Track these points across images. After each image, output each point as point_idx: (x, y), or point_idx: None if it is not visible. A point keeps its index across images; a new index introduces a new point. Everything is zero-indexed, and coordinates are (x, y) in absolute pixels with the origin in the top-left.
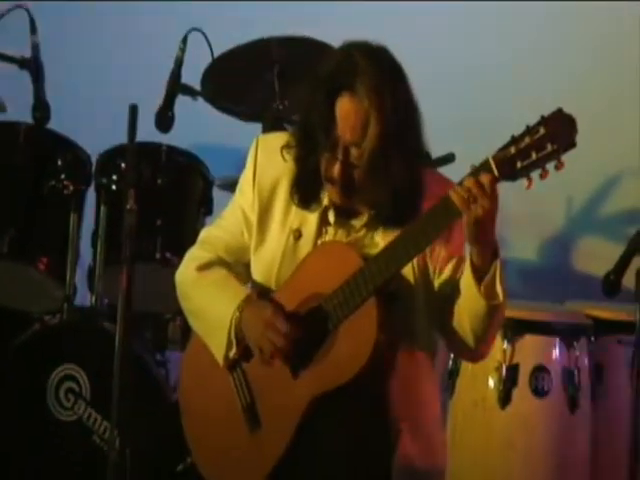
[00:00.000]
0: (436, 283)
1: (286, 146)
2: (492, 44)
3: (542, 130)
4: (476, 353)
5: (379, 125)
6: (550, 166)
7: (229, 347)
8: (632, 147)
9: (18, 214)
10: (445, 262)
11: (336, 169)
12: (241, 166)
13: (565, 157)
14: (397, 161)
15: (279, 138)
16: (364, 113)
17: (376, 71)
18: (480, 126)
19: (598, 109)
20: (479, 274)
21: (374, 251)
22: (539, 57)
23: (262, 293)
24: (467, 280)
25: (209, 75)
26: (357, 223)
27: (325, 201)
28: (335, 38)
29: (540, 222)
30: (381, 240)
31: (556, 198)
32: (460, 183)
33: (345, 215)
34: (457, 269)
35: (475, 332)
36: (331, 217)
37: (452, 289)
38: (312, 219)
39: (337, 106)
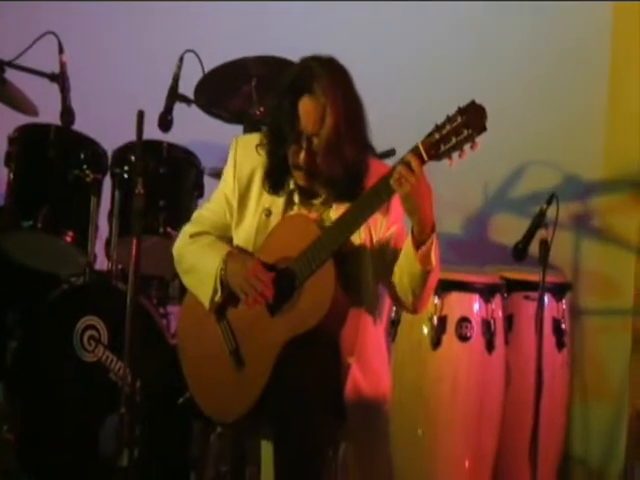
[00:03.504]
0: (378, 247)
1: (260, 144)
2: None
3: (459, 118)
4: (414, 306)
5: (333, 115)
6: (467, 147)
7: (215, 293)
8: (537, 140)
9: (49, 197)
10: (386, 229)
11: (301, 156)
12: (225, 159)
13: (481, 143)
14: (349, 145)
15: (254, 137)
16: (321, 108)
17: (329, 74)
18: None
19: (509, 106)
20: (417, 243)
21: (329, 224)
22: (460, 56)
23: (243, 250)
24: (407, 247)
25: (200, 87)
26: (316, 202)
27: (291, 186)
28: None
29: (463, 203)
30: (335, 215)
31: (475, 183)
32: (394, 166)
33: (307, 196)
34: (397, 236)
35: (413, 290)
36: (296, 198)
37: (394, 252)
38: (280, 200)
39: (300, 106)
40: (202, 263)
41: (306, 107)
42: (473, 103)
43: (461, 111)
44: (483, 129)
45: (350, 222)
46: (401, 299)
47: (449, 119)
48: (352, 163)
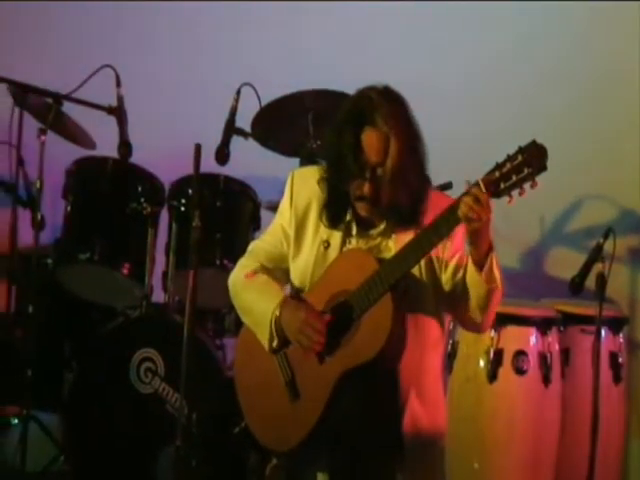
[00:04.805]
0: (443, 276)
1: (320, 178)
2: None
3: (520, 157)
4: (481, 325)
5: (397, 145)
6: (527, 186)
7: (271, 339)
8: (592, 177)
9: (106, 229)
10: (450, 257)
11: (366, 187)
12: (282, 192)
13: (539, 180)
14: (412, 174)
15: (311, 170)
16: (385, 138)
17: (389, 103)
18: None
19: (564, 141)
20: (479, 265)
21: (388, 255)
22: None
23: (295, 294)
24: (471, 272)
25: (257, 120)
26: (374, 232)
27: (348, 217)
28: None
29: (519, 236)
30: (393, 245)
31: (531, 217)
32: (459, 200)
33: (364, 227)
34: (460, 262)
35: (481, 310)
36: (353, 229)
37: (458, 279)
38: (338, 233)
39: (363, 138)
40: (257, 308)
41: (369, 138)
42: (534, 142)
43: (522, 150)
44: (543, 168)
45: (410, 255)
46: (469, 321)
47: (509, 158)
48: (416, 191)
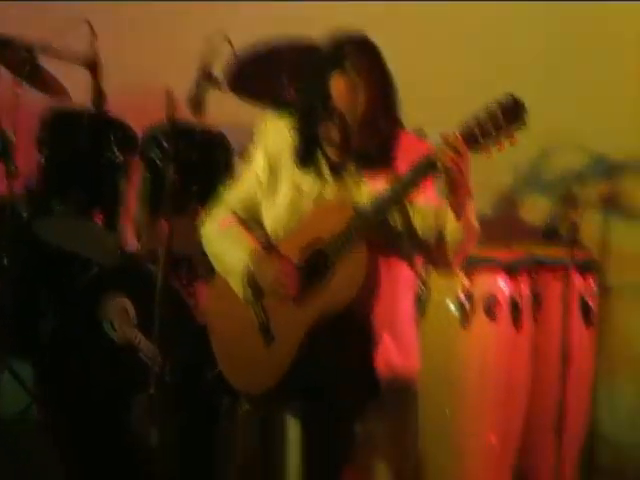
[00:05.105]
0: (416, 221)
1: (291, 125)
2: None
3: (499, 113)
4: (453, 267)
5: (366, 92)
6: (506, 142)
7: (244, 289)
8: (566, 124)
9: (81, 179)
10: (422, 202)
11: (335, 132)
12: (255, 139)
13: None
14: (382, 120)
15: (284, 118)
16: (353, 85)
17: (360, 51)
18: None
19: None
20: (457, 213)
21: (360, 197)
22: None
23: (269, 243)
24: (449, 219)
25: (230, 70)
26: (346, 177)
27: (321, 162)
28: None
29: (492, 182)
30: (366, 190)
31: (505, 163)
32: (438, 149)
33: (336, 172)
34: (432, 204)
35: (456, 254)
36: (326, 174)
37: (431, 222)
38: (310, 177)
39: (332, 84)
40: (230, 257)
41: (338, 84)
42: (514, 99)
43: (502, 106)
44: (522, 124)
45: (385, 204)
46: (440, 264)
47: (489, 113)
48: (386, 137)
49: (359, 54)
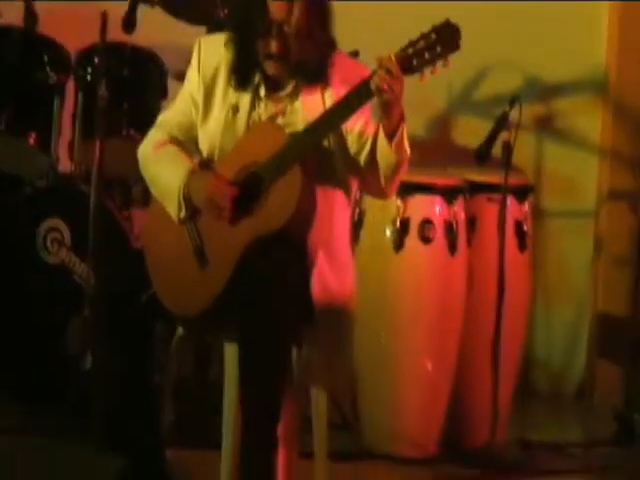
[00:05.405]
0: (349, 142)
1: (226, 41)
2: None
3: (433, 36)
4: (386, 193)
5: (301, 5)
6: (439, 65)
7: (180, 208)
8: (499, 45)
9: (12, 99)
10: (354, 121)
11: (274, 44)
12: (189, 61)
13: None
14: (317, 28)
15: (218, 37)
16: None
17: None
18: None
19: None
20: (389, 136)
21: (296, 115)
22: None
23: (204, 164)
24: (381, 142)
25: None
26: (282, 94)
27: (257, 80)
28: None
29: (426, 104)
30: (301, 107)
31: (438, 84)
32: (373, 72)
33: (273, 89)
34: (365, 126)
35: (387, 178)
36: (262, 91)
37: (364, 142)
38: (246, 96)
39: None
40: (165, 179)
41: None
42: (448, 22)
43: (436, 29)
44: (456, 48)
45: (321, 128)
46: (374, 186)
47: (423, 36)
48: (322, 46)
49: None
